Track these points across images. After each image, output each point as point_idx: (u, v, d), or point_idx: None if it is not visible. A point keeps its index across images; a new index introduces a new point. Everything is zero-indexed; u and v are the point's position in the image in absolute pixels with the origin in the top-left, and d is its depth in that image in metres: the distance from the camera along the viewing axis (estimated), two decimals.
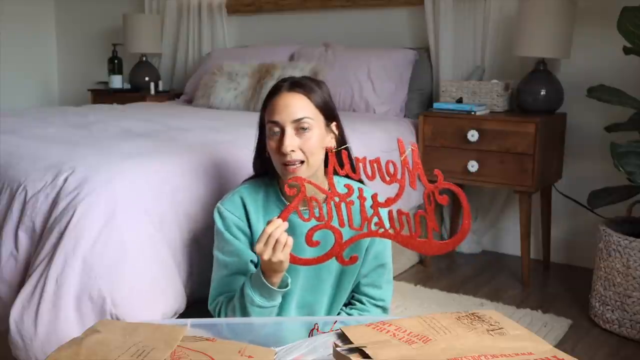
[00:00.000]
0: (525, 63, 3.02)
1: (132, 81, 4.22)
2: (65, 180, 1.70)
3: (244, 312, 1.46)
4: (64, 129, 2.40)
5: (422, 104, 3.27)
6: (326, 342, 1.26)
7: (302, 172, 1.47)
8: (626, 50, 2.43)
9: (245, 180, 1.65)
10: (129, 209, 1.66)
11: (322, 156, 1.50)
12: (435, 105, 3.02)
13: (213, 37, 4.08)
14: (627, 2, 2.46)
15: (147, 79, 4.14)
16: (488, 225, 3.30)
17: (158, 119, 2.72)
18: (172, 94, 4.07)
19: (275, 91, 1.50)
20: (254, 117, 1.65)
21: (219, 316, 1.54)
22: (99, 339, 1.23)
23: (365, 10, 3.57)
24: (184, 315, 1.74)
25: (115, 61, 4.36)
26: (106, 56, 4.47)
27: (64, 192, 1.66)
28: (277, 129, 1.47)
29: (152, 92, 4.05)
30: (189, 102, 3.66)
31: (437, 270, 3.05)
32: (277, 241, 1.34)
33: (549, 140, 2.81)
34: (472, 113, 2.85)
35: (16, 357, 1.56)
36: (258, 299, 1.43)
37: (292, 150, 1.45)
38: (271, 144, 1.48)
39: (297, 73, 3.13)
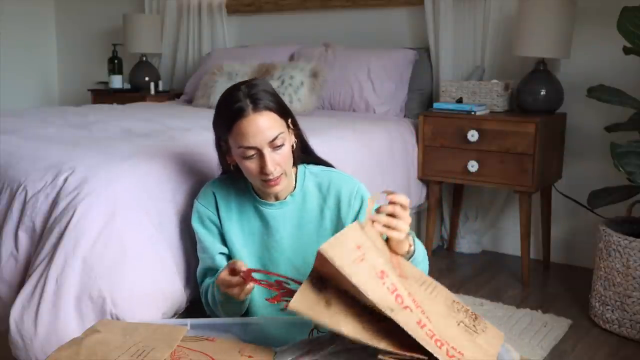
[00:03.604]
0: (525, 63, 3.02)
1: (132, 81, 4.22)
2: (65, 180, 1.69)
3: (215, 306, 1.53)
4: (64, 129, 2.40)
5: (422, 104, 3.27)
6: (325, 341, 1.26)
7: (284, 182, 1.51)
8: (626, 50, 2.43)
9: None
10: (129, 209, 1.66)
11: (292, 158, 1.52)
12: (435, 105, 3.02)
13: (213, 37, 4.08)
14: (627, 2, 2.46)
15: (147, 79, 4.14)
16: (488, 225, 3.30)
17: (158, 119, 2.72)
18: (172, 94, 4.07)
19: (239, 114, 1.43)
20: None
21: (206, 300, 1.59)
22: (99, 339, 1.23)
23: (365, 10, 3.57)
24: (184, 315, 1.74)
25: (115, 61, 4.36)
26: (106, 56, 4.47)
27: (64, 192, 1.66)
28: (252, 153, 1.45)
29: (152, 92, 4.05)
30: (189, 102, 3.65)
31: (437, 270, 3.04)
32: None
33: (548, 140, 2.81)
34: (472, 113, 2.85)
35: (16, 357, 1.56)
36: (224, 301, 1.48)
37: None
38: (250, 166, 1.46)
39: (297, 73, 3.13)
